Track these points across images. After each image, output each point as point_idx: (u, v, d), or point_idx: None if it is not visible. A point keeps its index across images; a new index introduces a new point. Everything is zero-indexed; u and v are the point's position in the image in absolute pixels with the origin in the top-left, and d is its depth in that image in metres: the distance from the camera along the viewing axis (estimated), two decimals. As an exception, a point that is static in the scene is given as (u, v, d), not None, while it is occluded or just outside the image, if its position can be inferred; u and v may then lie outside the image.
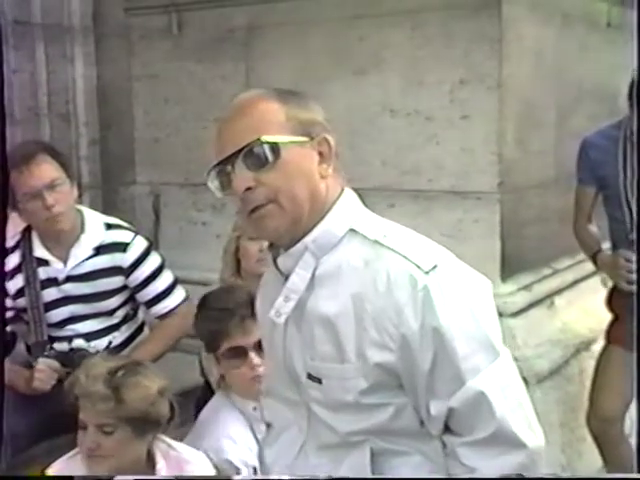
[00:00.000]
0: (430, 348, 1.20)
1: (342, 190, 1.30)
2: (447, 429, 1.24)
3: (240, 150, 1.22)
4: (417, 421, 1.26)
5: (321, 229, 1.26)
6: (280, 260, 1.29)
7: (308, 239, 1.25)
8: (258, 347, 1.87)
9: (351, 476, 1.27)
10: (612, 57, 3.45)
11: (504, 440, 1.21)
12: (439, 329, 1.19)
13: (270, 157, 1.21)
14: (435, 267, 1.21)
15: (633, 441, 2.54)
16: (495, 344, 1.23)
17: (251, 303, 1.91)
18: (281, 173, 1.22)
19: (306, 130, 1.24)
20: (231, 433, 1.90)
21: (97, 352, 2.28)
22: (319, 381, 1.27)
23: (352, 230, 1.27)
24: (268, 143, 1.21)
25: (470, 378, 1.20)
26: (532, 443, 1.23)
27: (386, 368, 1.22)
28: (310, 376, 1.29)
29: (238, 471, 1.85)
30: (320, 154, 1.25)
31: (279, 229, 1.25)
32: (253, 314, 1.89)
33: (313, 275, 1.26)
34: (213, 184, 1.26)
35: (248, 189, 1.22)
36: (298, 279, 1.26)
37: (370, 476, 1.26)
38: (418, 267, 1.20)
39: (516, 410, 1.23)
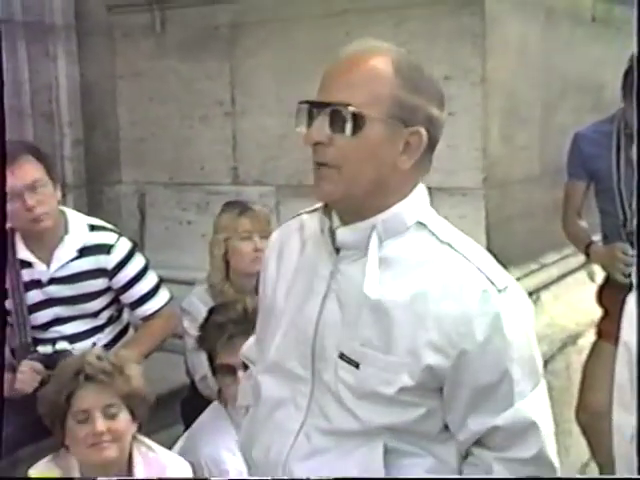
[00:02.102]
0: (489, 365, 1.19)
1: (416, 184, 1.25)
2: (478, 441, 1.23)
3: (329, 104, 1.17)
4: (440, 425, 1.25)
5: (392, 212, 1.21)
6: (340, 231, 1.23)
7: (378, 218, 1.21)
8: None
9: (357, 472, 1.22)
10: (597, 51, 3.46)
11: (542, 462, 1.23)
12: (503, 350, 1.19)
13: (351, 127, 1.15)
14: (507, 288, 1.20)
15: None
16: (539, 370, 1.26)
17: (245, 320, 1.89)
18: (355, 145, 1.16)
19: (403, 115, 1.17)
20: (230, 444, 1.89)
21: (81, 355, 2.27)
22: (356, 365, 1.22)
23: (420, 223, 1.23)
24: (356, 114, 1.15)
25: (518, 400, 1.21)
26: (558, 466, 1.26)
27: (435, 371, 1.19)
28: (344, 357, 1.23)
29: None
30: (406, 144, 1.18)
31: (333, 195, 1.21)
32: (245, 332, 1.87)
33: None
34: (299, 115, 1.21)
35: (318, 143, 1.18)
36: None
37: (382, 474, 1.22)
38: (492, 284, 1.19)
39: (551, 435, 1.25)
